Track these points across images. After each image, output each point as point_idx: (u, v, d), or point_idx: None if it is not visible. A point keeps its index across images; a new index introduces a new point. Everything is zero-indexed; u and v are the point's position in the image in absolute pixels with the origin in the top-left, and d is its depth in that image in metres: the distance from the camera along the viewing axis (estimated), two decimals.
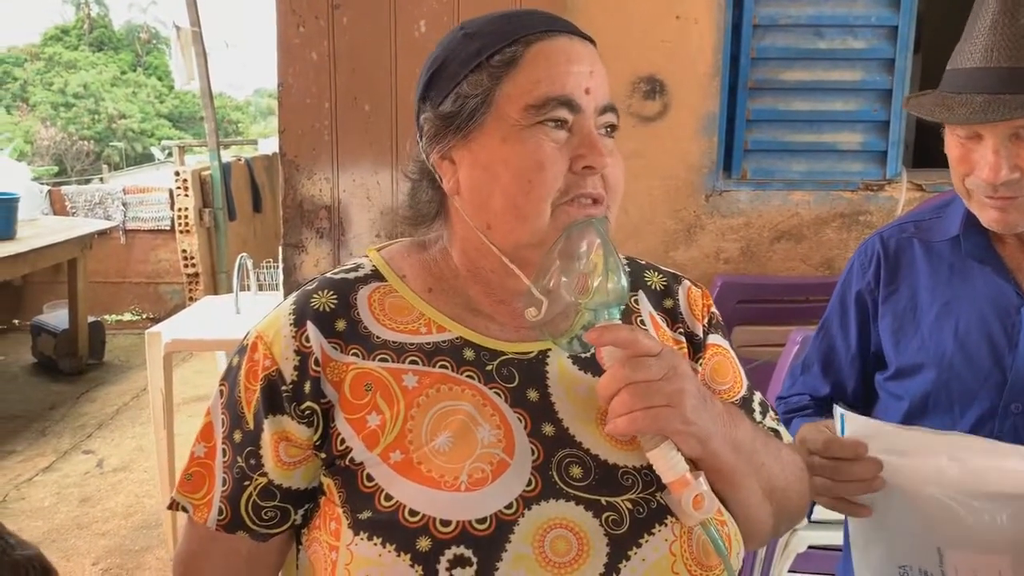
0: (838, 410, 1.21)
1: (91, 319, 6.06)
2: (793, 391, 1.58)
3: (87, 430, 4.86)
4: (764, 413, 1.08)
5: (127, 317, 7.28)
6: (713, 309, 1.09)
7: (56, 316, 6.05)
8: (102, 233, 6.23)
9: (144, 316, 7.26)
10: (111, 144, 24.60)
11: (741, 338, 2.50)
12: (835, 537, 2.03)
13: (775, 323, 2.52)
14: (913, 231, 1.43)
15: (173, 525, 3.33)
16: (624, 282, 0.86)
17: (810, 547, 2.22)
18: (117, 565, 3.35)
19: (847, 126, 2.68)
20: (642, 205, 2.63)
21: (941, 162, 1.40)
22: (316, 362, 0.90)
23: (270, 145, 9.76)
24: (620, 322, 0.86)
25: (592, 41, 0.95)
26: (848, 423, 1.19)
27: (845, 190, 2.66)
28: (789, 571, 2.23)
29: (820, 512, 2.19)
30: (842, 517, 1.65)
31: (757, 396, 1.09)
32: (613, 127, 0.93)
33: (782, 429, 1.09)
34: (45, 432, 4.82)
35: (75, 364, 5.83)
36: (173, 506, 0.96)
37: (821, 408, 1.53)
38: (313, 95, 2.46)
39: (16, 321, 7.03)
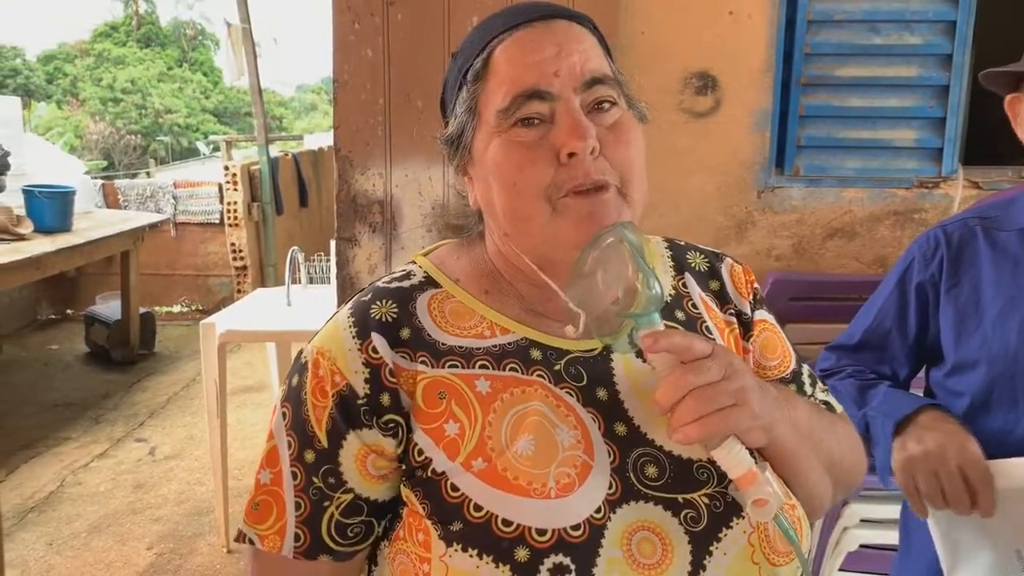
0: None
1: (142, 310, 6.19)
2: (843, 364, 1.57)
3: (139, 418, 4.97)
4: (814, 384, 1.08)
5: (177, 309, 7.43)
6: (755, 284, 1.08)
7: (109, 307, 6.18)
8: (153, 226, 6.35)
9: (193, 308, 7.40)
10: (157, 139, 25.06)
11: (792, 336, 2.47)
12: (888, 536, 2.01)
13: (827, 321, 2.50)
14: (977, 224, 1.42)
15: (225, 512, 3.40)
16: (657, 288, 0.82)
17: (862, 546, 2.21)
18: (170, 550, 3.43)
19: (902, 123, 2.65)
20: (693, 201, 2.62)
21: (996, 159, 1.39)
22: (391, 373, 0.88)
23: (315, 140, 9.88)
24: (663, 326, 0.83)
25: (574, 16, 0.92)
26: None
27: (899, 187, 2.63)
28: (840, 570, 2.22)
29: (872, 511, 2.20)
30: (896, 516, 1.66)
31: (806, 368, 1.08)
32: (607, 102, 0.89)
33: (833, 400, 1.09)
34: (99, 420, 4.94)
35: (127, 354, 5.95)
36: (240, 538, 0.93)
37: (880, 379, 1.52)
38: (367, 91, 2.49)
39: (70, 311, 7.20)
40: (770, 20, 2.54)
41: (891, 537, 1.75)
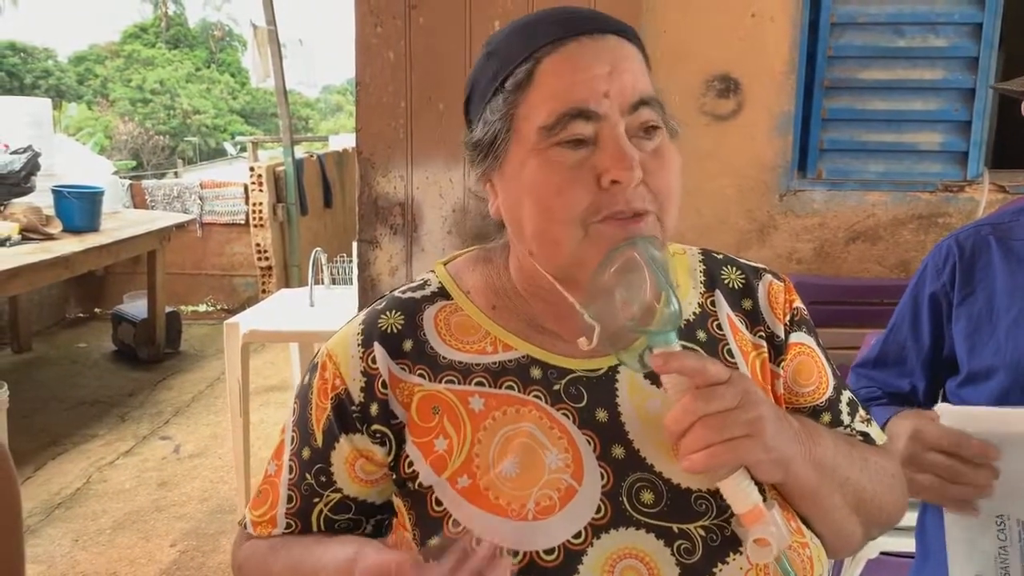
0: (943, 408, 1.17)
1: (168, 309, 6.24)
2: (861, 385, 1.56)
3: (164, 416, 5.02)
4: (853, 414, 1.01)
5: (202, 308, 7.49)
6: (796, 303, 1.01)
7: (135, 306, 6.24)
8: (180, 226, 6.41)
9: (218, 307, 7.46)
10: (185, 139, 25.31)
11: None
12: (909, 544, 1.99)
13: (849, 325, 2.49)
14: (990, 232, 1.40)
15: None
16: (675, 305, 0.80)
17: (882, 553, 2.19)
18: (194, 547, 3.46)
19: (926, 126, 2.62)
20: (715, 204, 2.62)
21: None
22: (384, 384, 0.90)
23: (340, 141, 9.93)
24: (679, 346, 0.81)
25: (623, 29, 0.88)
26: (946, 418, 1.15)
27: (923, 191, 2.61)
28: None
29: None
30: (914, 523, 1.64)
31: (845, 396, 1.01)
32: (652, 126, 0.85)
33: (873, 430, 1.02)
34: (125, 417, 5.00)
35: (153, 352, 6.01)
36: (241, 522, 0.98)
37: (894, 401, 1.51)
38: (389, 94, 2.51)
39: (98, 310, 7.29)
40: (793, 22, 2.53)
41: (911, 544, 1.73)
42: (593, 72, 0.83)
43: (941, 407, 1.16)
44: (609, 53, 0.84)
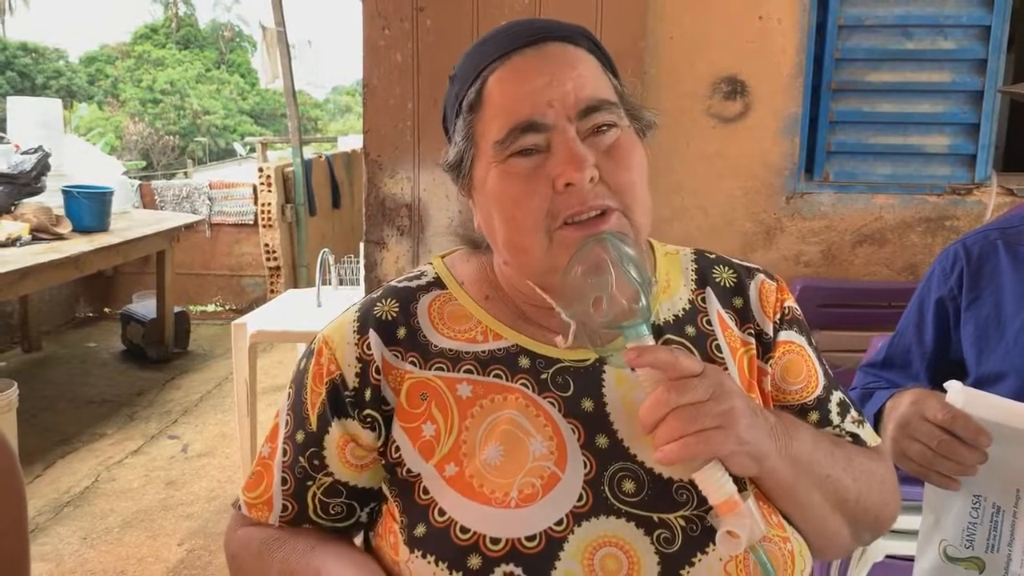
0: (953, 385, 1.17)
1: (177, 309, 6.26)
2: (868, 380, 1.55)
3: (172, 416, 5.04)
4: (843, 414, 1.01)
5: (210, 308, 7.52)
6: (788, 303, 1.02)
7: (144, 306, 6.26)
8: (189, 226, 6.44)
9: (226, 307, 7.48)
10: (195, 139, 25.37)
11: (821, 343, 2.46)
12: (914, 547, 1.99)
13: (856, 328, 2.48)
14: (998, 237, 1.40)
15: None
16: (643, 300, 0.80)
17: (887, 556, 2.18)
18: (201, 546, 3.47)
19: (934, 128, 2.62)
20: (721, 206, 2.61)
21: None
22: (377, 370, 0.92)
23: (348, 142, 9.95)
24: (652, 340, 0.82)
25: (569, 35, 0.90)
26: (952, 395, 1.15)
27: (931, 194, 2.60)
28: None
29: (897, 521, 2.16)
30: (919, 526, 1.63)
31: (836, 396, 1.01)
32: (608, 125, 0.87)
33: (864, 432, 1.02)
34: (133, 417, 5.02)
35: (161, 352, 6.03)
36: (235, 504, 1.00)
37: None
38: (396, 96, 2.51)
39: (107, 310, 7.32)
40: (800, 25, 2.53)
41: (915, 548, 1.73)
42: (534, 85, 0.86)
43: (952, 383, 1.16)
44: (548, 62, 0.87)
